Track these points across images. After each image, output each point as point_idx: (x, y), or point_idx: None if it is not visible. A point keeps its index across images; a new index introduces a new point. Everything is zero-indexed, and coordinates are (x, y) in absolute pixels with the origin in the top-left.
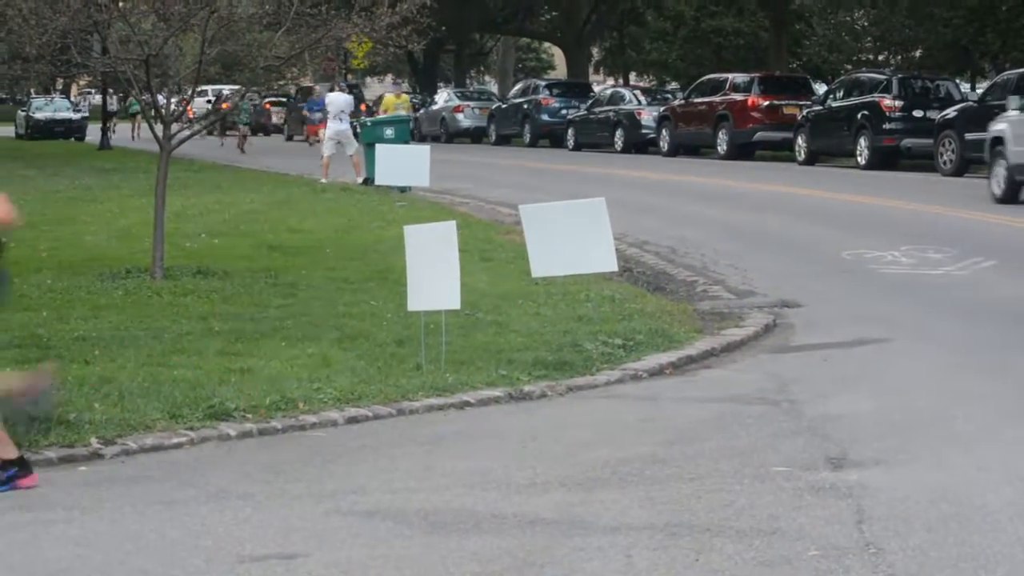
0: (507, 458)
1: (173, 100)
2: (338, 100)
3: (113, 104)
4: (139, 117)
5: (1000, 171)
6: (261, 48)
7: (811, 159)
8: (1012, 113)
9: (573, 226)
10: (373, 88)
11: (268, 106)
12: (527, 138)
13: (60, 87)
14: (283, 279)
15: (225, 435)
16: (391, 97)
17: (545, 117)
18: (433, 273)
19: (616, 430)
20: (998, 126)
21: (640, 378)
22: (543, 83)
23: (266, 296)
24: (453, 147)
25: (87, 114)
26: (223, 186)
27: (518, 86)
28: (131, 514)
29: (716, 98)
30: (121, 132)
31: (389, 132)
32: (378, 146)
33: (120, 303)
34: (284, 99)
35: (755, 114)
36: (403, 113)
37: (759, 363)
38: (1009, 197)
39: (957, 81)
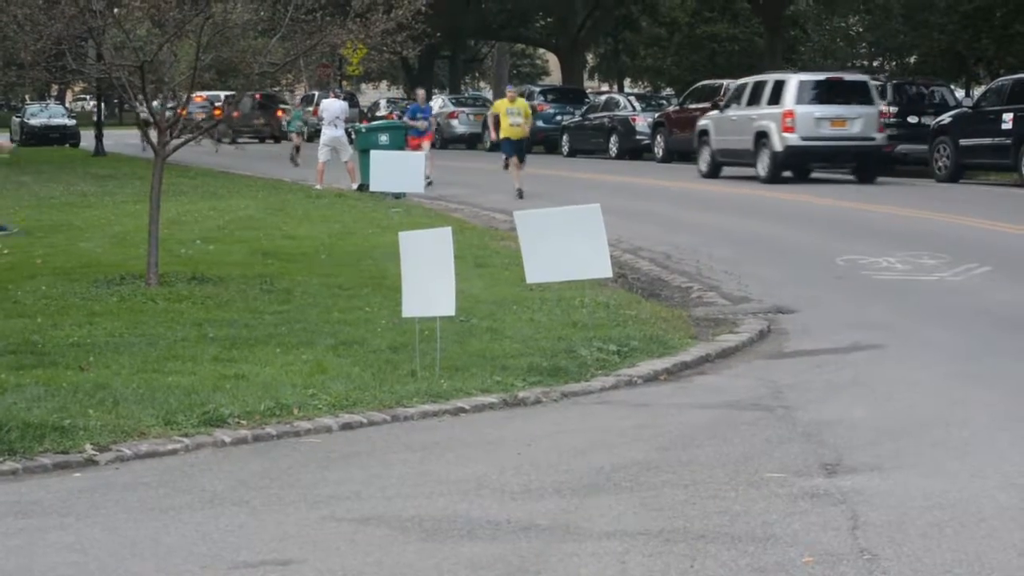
0: (502, 464)
1: (168, 106)
2: (332, 106)
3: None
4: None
5: (706, 155)
6: (256, 54)
7: None
8: (714, 113)
9: (568, 232)
10: (368, 94)
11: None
12: None
13: (55, 93)
14: (278, 285)
15: (220, 441)
16: (504, 101)
17: (540, 123)
18: (428, 279)
19: (610, 436)
20: (703, 122)
21: (635, 384)
22: (538, 89)
23: (261, 302)
24: (448, 153)
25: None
26: (218, 192)
27: None
28: (126, 521)
29: (710, 104)
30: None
31: (383, 138)
32: (372, 152)
33: (115, 309)
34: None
35: None
36: (520, 120)
37: (754, 369)
38: (712, 174)
39: (952, 87)
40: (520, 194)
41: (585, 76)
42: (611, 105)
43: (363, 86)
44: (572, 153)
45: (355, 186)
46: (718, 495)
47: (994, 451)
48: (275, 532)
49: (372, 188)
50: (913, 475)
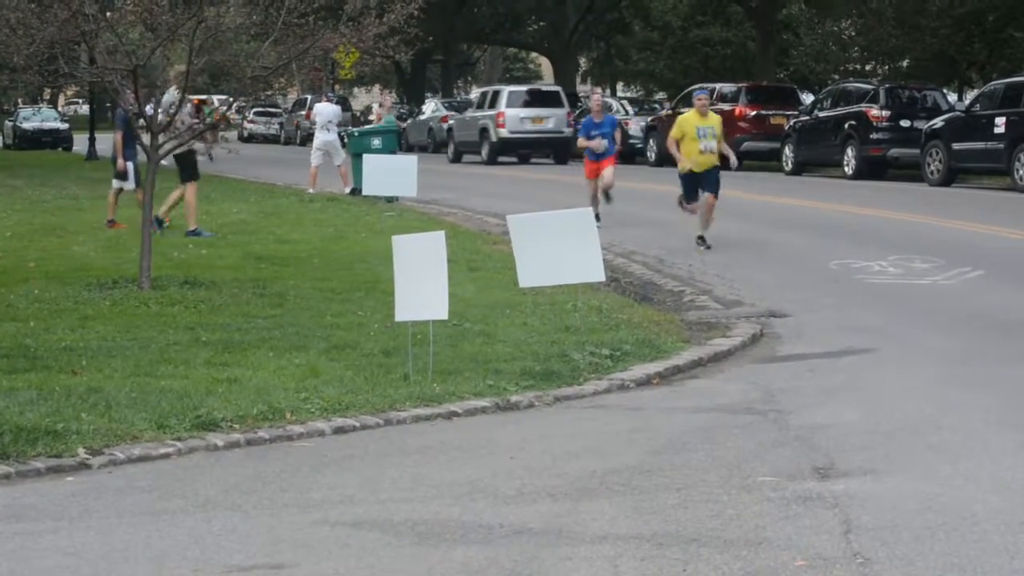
0: (494, 468)
1: (160, 110)
2: (326, 110)
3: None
4: None
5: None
6: (249, 58)
7: (798, 169)
8: (456, 115)
9: (561, 236)
10: (360, 98)
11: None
12: None
13: (47, 97)
14: (270, 289)
15: (212, 445)
16: (692, 115)
17: None
18: (421, 283)
19: (603, 440)
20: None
21: (627, 388)
22: None
23: (253, 306)
24: (440, 157)
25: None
26: (211, 196)
27: None
28: (119, 524)
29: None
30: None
31: (376, 142)
32: (365, 156)
33: (107, 313)
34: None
35: (742, 124)
36: (713, 145)
37: (746, 373)
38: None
39: (944, 91)
40: (703, 241)
41: (578, 80)
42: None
43: (356, 90)
44: None
45: (348, 190)
46: (711, 499)
47: (987, 455)
48: (268, 536)
49: (365, 192)
50: (906, 479)
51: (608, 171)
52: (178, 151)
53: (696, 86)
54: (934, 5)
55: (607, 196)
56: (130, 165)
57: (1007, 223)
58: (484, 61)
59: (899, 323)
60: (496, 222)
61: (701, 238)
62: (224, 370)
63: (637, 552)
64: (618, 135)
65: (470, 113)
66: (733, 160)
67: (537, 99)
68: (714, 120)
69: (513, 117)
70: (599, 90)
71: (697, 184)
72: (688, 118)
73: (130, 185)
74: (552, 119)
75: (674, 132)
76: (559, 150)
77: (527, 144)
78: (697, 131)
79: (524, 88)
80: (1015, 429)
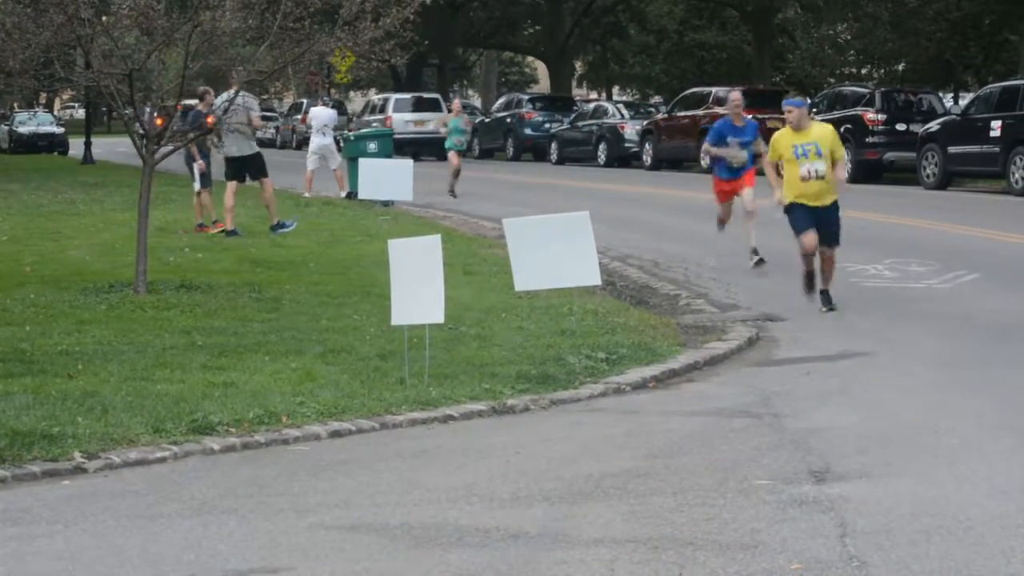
0: (490, 472)
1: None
2: (321, 114)
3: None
4: (457, 157)
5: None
6: (244, 62)
7: None
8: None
9: (557, 240)
10: (356, 102)
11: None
12: (510, 152)
13: (43, 102)
14: (266, 293)
15: (208, 449)
16: (786, 132)
17: (528, 131)
18: (417, 287)
19: (599, 444)
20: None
21: (623, 392)
22: (526, 97)
23: (249, 310)
24: (436, 161)
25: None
26: None
27: (501, 100)
28: (114, 528)
29: (699, 112)
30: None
31: (372, 146)
32: (361, 160)
33: (103, 317)
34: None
35: None
36: (822, 168)
37: (742, 377)
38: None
39: (940, 94)
40: (827, 300)
41: (573, 84)
42: (600, 113)
43: (351, 94)
44: (561, 161)
45: (343, 194)
46: (706, 502)
47: (983, 459)
48: (264, 540)
49: (360, 196)
50: (902, 482)
51: (748, 193)
52: (236, 153)
53: (786, 99)
54: (930, 9)
55: (752, 226)
56: (195, 166)
57: (1003, 227)
58: (480, 65)
59: (895, 326)
60: (491, 226)
61: (824, 293)
62: (220, 374)
63: (633, 555)
64: (760, 146)
65: (365, 117)
66: (843, 183)
67: (420, 105)
68: (818, 134)
69: (399, 120)
70: (737, 92)
71: (812, 220)
72: (782, 135)
73: (196, 185)
74: (433, 122)
75: (769, 155)
76: (440, 149)
77: (412, 144)
78: (794, 151)
79: (409, 96)
80: (1011, 433)
